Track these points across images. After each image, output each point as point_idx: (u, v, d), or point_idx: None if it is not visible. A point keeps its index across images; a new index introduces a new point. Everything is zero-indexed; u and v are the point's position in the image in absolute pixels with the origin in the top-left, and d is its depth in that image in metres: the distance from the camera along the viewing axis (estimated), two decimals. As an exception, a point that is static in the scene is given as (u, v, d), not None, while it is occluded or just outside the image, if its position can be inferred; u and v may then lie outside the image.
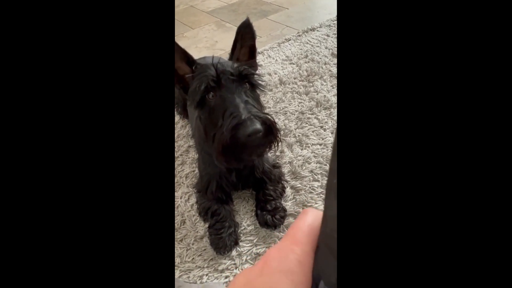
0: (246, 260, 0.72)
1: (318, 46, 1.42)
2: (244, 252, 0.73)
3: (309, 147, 0.96)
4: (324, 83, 1.19)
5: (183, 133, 1.07)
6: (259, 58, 1.36)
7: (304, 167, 0.90)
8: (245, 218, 0.81)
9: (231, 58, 0.73)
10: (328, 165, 0.90)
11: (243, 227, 0.79)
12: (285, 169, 0.90)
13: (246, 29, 0.71)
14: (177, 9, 2.00)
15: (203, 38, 1.66)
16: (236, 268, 0.71)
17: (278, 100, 1.15)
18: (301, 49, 1.42)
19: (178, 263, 0.73)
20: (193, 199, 0.86)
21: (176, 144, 1.03)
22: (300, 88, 1.19)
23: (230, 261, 0.72)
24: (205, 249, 0.75)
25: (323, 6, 1.80)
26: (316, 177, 0.87)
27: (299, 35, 1.52)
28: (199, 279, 0.70)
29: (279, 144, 0.70)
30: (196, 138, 0.90)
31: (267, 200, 0.79)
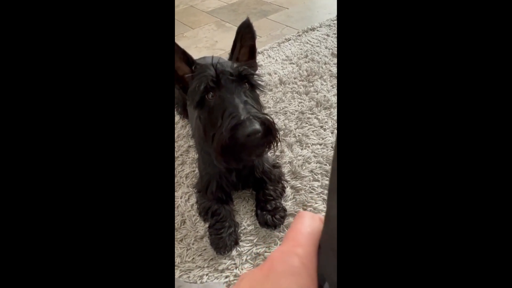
0: (246, 260, 0.72)
1: (318, 46, 1.42)
2: (244, 252, 0.73)
3: (309, 147, 0.96)
4: (324, 83, 1.19)
5: (183, 133, 1.07)
6: (259, 58, 1.36)
7: (304, 167, 0.90)
8: (245, 218, 0.81)
9: (231, 58, 0.73)
10: (328, 165, 0.90)
11: (243, 227, 0.79)
12: (285, 169, 0.90)
13: (246, 29, 0.71)
14: (177, 9, 2.00)
15: (203, 38, 1.66)
16: (236, 268, 0.71)
17: (278, 100, 1.15)
18: (301, 49, 1.42)
19: (178, 263, 0.73)
20: (193, 199, 0.86)
21: (176, 144, 1.03)
22: (300, 88, 1.19)
23: (230, 261, 0.72)
24: (205, 249, 0.75)
25: (323, 6, 1.80)
26: (316, 177, 0.87)
27: (299, 35, 1.52)
28: (199, 279, 0.70)
29: (279, 144, 0.70)
30: (196, 138, 0.90)
31: (267, 200, 0.79)
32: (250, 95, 0.67)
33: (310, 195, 0.83)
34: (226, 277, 0.70)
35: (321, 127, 1.02)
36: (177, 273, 0.72)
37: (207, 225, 0.79)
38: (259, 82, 0.69)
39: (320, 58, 1.33)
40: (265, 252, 0.73)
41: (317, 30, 1.54)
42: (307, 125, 1.03)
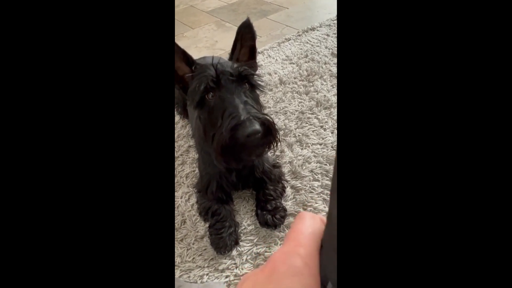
0: (246, 259, 0.72)
1: (318, 46, 1.42)
2: (244, 251, 0.74)
3: (309, 146, 0.96)
4: (324, 83, 1.19)
5: (183, 133, 1.07)
6: (259, 58, 1.36)
7: (304, 167, 0.90)
8: (246, 218, 0.81)
9: (231, 58, 0.73)
10: (328, 164, 0.90)
11: (243, 227, 0.79)
12: (285, 169, 0.90)
13: (246, 29, 0.71)
14: (177, 9, 2.00)
15: (203, 38, 1.66)
16: (236, 267, 0.71)
17: (278, 99, 1.15)
18: (301, 48, 1.42)
19: (178, 262, 0.74)
20: (193, 199, 0.86)
21: (176, 144, 1.03)
22: (300, 88, 1.19)
23: (230, 260, 0.72)
24: (205, 249, 0.75)
25: (323, 6, 1.80)
26: (316, 176, 0.87)
27: (299, 35, 1.52)
28: (199, 279, 0.70)
29: (278, 144, 0.70)
30: (196, 138, 0.90)
31: (267, 200, 0.79)
32: (250, 95, 0.67)
33: (310, 195, 0.83)
34: (227, 277, 0.70)
35: (321, 127, 1.02)
36: (177, 273, 0.72)
37: (207, 225, 0.79)
38: (259, 82, 0.69)
39: (320, 58, 1.33)
40: (266, 252, 0.73)
41: (317, 30, 1.54)
42: (307, 125, 1.03)
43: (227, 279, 0.69)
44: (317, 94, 1.14)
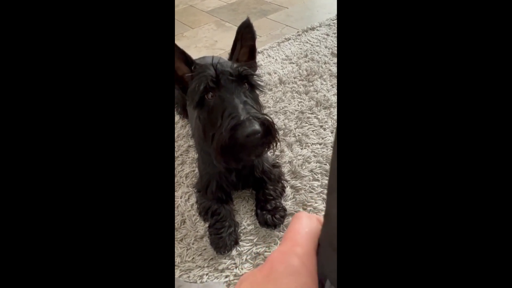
0: (246, 259, 0.72)
1: (317, 46, 1.42)
2: (244, 251, 0.74)
3: (309, 146, 0.96)
4: (324, 83, 1.19)
5: (183, 133, 1.07)
6: (259, 58, 1.36)
7: (304, 167, 0.90)
8: (245, 218, 0.81)
9: (230, 58, 0.73)
10: (328, 164, 0.90)
11: (243, 227, 0.79)
12: (285, 169, 0.90)
13: (246, 29, 0.71)
14: (176, 9, 2.00)
15: (202, 37, 1.66)
16: (236, 267, 0.71)
17: (278, 99, 1.15)
18: (300, 48, 1.42)
19: (178, 262, 0.74)
20: (193, 199, 0.86)
21: (176, 144, 1.03)
22: (300, 88, 1.19)
23: (230, 260, 0.72)
24: (205, 249, 0.75)
25: (323, 6, 1.80)
26: (316, 176, 0.87)
27: (299, 35, 1.52)
28: (199, 279, 0.70)
29: (278, 144, 0.70)
30: (195, 138, 0.90)
31: (267, 200, 0.79)
32: (250, 95, 0.67)
33: (310, 195, 0.83)
34: (226, 276, 0.70)
35: (321, 126, 1.02)
36: (177, 273, 0.72)
37: (207, 225, 0.79)
38: (259, 82, 0.69)
39: (320, 57, 1.33)
40: (265, 251, 0.73)
41: (317, 30, 1.54)
42: (307, 124, 1.03)
43: (227, 279, 0.69)
44: (317, 93, 1.14)
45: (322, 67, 1.27)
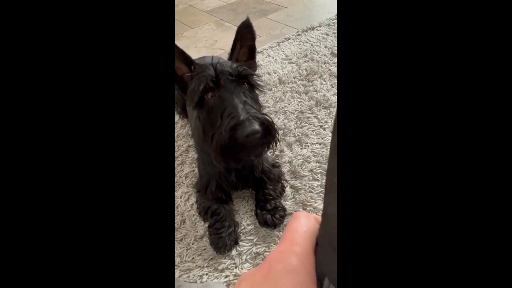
0: (246, 259, 0.72)
1: (317, 45, 1.42)
2: (244, 251, 0.74)
3: (308, 146, 0.96)
4: (324, 82, 1.19)
5: (183, 133, 1.07)
6: (259, 58, 1.36)
7: (304, 167, 0.90)
8: (245, 218, 0.81)
9: (230, 58, 0.73)
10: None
11: (243, 227, 0.79)
12: (285, 169, 0.90)
13: (246, 29, 0.71)
14: (176, 9, 2.00)
15: (202, 37, 1.66)
16: (236, 267, 0.71)
17: (277, 99, 1.15)
18: (300, 48, 1.42)
19: (178, 262, 0.74)
20: (193, 199, 0.86)
21: (175, 144, 1.03)
22: (300, 88, 1.19)
23: (230, 260, 0.72)
24: (205, 249, 0.75)
25: (322, 5, 1.80)
26: (315, 176, 0.87)
27: (299, 34, 1.52)
28: (199, 279, 0.70)
29: (278, 144, 0.70)
30: (195, 138, 0.90)
31: (267, 200, 0.79)
32: (250, 95, 0.67)
33: (309, 195, 0.83)
34: (226, 276, 0.70)
35: (321, 126, 1.02)
36: (177, 273, 0.72)
37: (206, 225, 0.79)
38: (259, 82, 0.69)
39: (320, 57, 1.33)
40: (265, 251, 0.73)
41: (317, 30, 1.54)
42: (306, 124, 1.03)
43: (227, 279, 0.69)
44: (317, 93, 1.14)
45: (321, 67, 1.27)
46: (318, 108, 1.09)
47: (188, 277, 0.71)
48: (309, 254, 0.20)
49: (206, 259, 0.73)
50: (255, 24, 0.74)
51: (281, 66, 1.33)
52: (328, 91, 1.15)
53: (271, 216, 0.76)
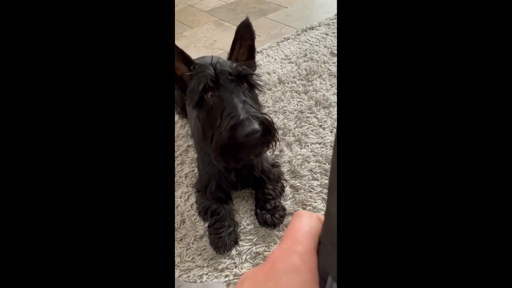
0: (245, 259, 0.72)
1: (317, 45, 1.42)
2: (243, 251, 0.74)
3: (308, 146, 0.96)
4: (323, 82, 1.19)
5: (182, 133, 1.07)
6: (258, 57, 1.36)
7: (304, 166, 0.90)
8: (245, 217, 0.81)
9: (230, 57, 0.73)
10: (327, 164, 0.90)
11: (242, 226, 0.79)
12: (285, 168, 0.90)
13: (246, 29, 0.71)
14: (175, 8, 1.99)
15: (202, 37, 1.66)
16: (236, 267, 0.71)
17: (277, 99, 1.15)
18: (300, 48, 1.42)
19: (178, 262, 0.74)
20: (192, 199, 0.86)
21: (175, 144, 1.03)
22: (299, 87, 1.19)
23: (229, 260, 0.72)
24: (204, 249, 0.75)
25: (322, 5, 1.80)
26: (315, 176, 0.87)
27: (298, 34, 1.52)
28: (199, 279, 0.70)
29: (277, 143, 0.70)
30: (195, 137, 0.90)
31: (267, 199, 0.79)
32: (249, 95, 0.67)
33: (309, 194, 0.83)
34: (226, 276, 0.70)
35: (320, 126, 1.02)
36: (176, 273, 0.72)
37: (206, 225, 0.79)
38: (258, 81, 0.69)
39: (319, 57, 1.33)
40: (265, 251, 0.73)
41: (316, 29, 1.54)
42: (306, 124, 1.03)
43: (227, 279, 0.69)
44: (316, 93, 1.14)
45: (321, 66, 1.27)
46: (318, 107, 1.09)
47: (188, 277, 0.71)
48: (312, 253, 0.20)
49: (206, 259, 0.73)
50: (255, 24, 0.74)
51: (281, 65, 1.33)
52: (328, 90, 1.15)
53: (270, 216, 0.76)
